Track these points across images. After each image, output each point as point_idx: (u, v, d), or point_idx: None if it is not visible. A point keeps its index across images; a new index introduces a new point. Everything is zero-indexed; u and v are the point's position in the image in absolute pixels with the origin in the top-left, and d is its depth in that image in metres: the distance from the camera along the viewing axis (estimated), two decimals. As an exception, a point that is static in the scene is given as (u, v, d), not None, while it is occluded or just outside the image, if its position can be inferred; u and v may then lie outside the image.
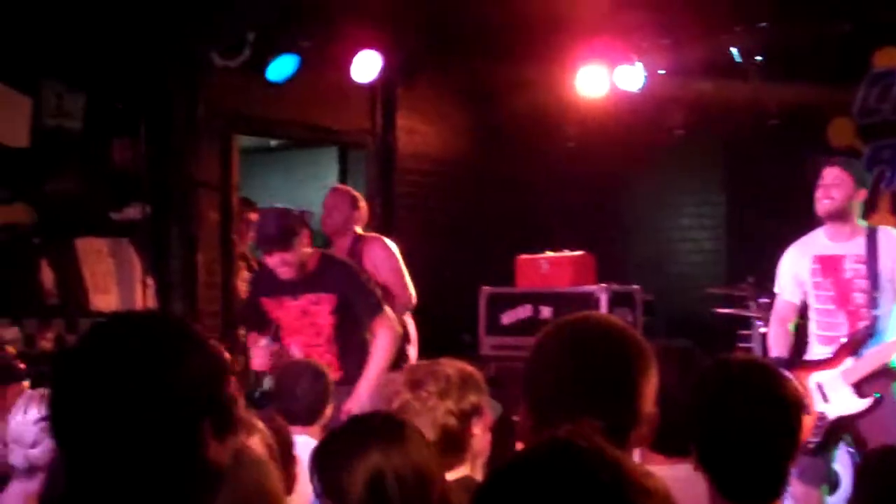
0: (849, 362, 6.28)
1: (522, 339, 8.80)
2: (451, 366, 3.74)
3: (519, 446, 2.91)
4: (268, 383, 5.96)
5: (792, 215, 7.23)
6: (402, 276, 7.45)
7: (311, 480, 3.04)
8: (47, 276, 8.15)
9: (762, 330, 7.74)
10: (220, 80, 8.77)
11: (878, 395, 6.22)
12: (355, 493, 2.91)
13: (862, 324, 6.33)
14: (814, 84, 8.75)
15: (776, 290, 6.86)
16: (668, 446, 3.04)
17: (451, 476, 3.59)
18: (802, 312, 6.74)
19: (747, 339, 8.40)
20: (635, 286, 9.44)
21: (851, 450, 6.67)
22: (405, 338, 7.08)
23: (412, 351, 7.39)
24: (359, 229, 7.64)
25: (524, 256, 9.81)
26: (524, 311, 9.45)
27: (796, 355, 6.61)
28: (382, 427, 3.06)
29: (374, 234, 7.96)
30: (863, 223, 6.56)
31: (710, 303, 8.96)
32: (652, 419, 2.59)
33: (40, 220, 8.14)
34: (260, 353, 6.45)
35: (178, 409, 1.87)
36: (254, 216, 9.28)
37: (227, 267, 9.07)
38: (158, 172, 8.62)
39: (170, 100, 8.77)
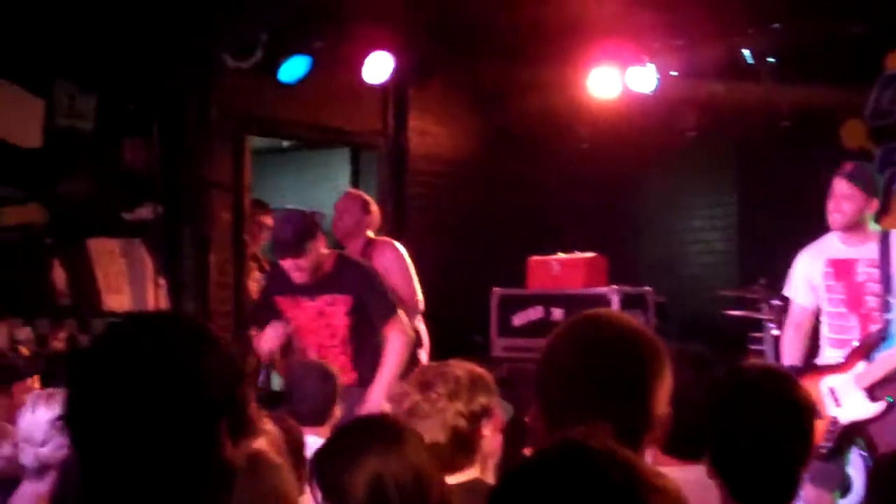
0: (861, 366, 6.27)
1: (534, 340, 8.79)
2: (461, 367, 3.74)
3: (529, 448, 2.91)
4: (277, 383, 5.97)
5: (804, 217, 7.22)
6: (411, 281, 7.46)
7: (310, 485, 3.03)
8: (60, 276, 8.17)
9: (774, 332, 7.72)
10: (233, 81, 8.78)
11: (891, 399, 6.21)
12: (356, 498, 2.91)
13: (874, 327, 6.33)
14: (826, 86, 8.73)
15: (788, 293, 6.85)
16: (680, 449, 3.03)
17: (460, 478, 3.60)
18: (814, 316, 6.74)
19: (759, 341, 8.39)
20: (647, 288, 9.43)
21: (864, 454, 6.65)
22: (417, 342, 7.08)
23: (423, 356, 7.39)
24: (370, 233, 7.65)
25: (535, 258, 9.80)
26: (535, 313, 9.45)
27: (808, 359, 6.61)
28: (380, 431, 3.06)
29: (384, 238, 7.96)
30: (875, 227, 6.55)
31: (722, 305, 8.95)
32: (665, 421, 2.58)
33: (53, 220, 8.16)
34: (271, 334, 6.46)
35: (194, 409, 1.87)
36: (266, 219, 9.31)
37: (239, 267, 9.08)
38: (170, 173, 8.63)
39: (182, 101, 8.78)
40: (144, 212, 8.54)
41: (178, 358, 1.89)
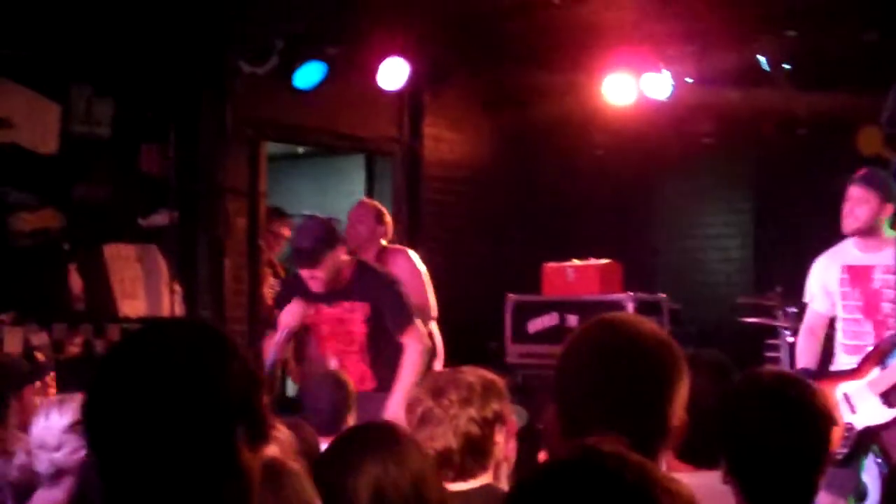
0: (875, 372, 6.25)
1: (548, 347, 8.78)
2: (474, 373, 3.74)
3: (543, 453, 2.92)
4: (291, 389, 5.98)
5: (820, 224, 7.21)
6: (425, 289, 7.47)
7: None
8: (76, 281, 8.19)
9: (790, 340, 7.71)
10: (249, 88, 8.80)
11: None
12: None
13: (889, 333, 6.31)
14: (842, 92, 8.72)
15: (805, 299, 6.85)
16: (694, 456, 3.03)
17: (473, 484, 3.60)
18: (829, 323, 6.73)
19: (775, 348, 8.37)
20: (662, 295, 9.42)
21: (879, 460, 6.64)
22: (432, 352, 7.08)
23: (438, 365, 7.39)
24: (384, 242, 7.66)
25: (551, 264, 9.79)
26: (550, 320, 9.44)
27: (823, 366, 6.60)
28: (379, 438, 3.06)
29: (398, 247, 7.98)
30: (892, 233, 6.54)
31: (738, 312, 8.93)
32: (680, 430, 2.57)
33: (69, 226, 8.18)
34: (293, 308, 6.45)
35: (212, 415, 1.87)
36: (283, 229, 9.35)
37: (254, 273, 9.09)
38: (186, 179, 8.65)
39: (198, 107, 8.80)
40: (160, 218, 8.55)
41: (196, 364, 1.90)
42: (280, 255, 9.57)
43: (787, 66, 8.65)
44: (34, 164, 8.01)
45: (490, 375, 3.76)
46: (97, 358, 7.65)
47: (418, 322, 6.53)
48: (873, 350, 6.31)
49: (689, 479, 2.79)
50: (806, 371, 6.36)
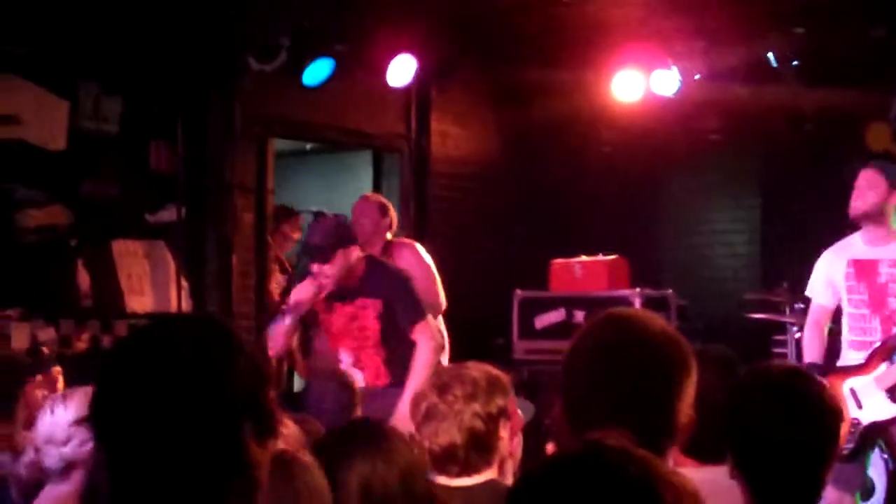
0: (882, 368, 6.24)
1: (555, 343, 8.78)
2: (478, 369, 3.75)
3: (550, 446, 2.92)
4: (298, 384, 5.97)
5: (827, 220, 7.20)
6: (433, 281, 7.47)
7: None
8: (83, 277, 8.20)
9: (797, 335, 7.71)
10: (256, 84, 8.80)
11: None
12: (346, 502, 2.92)
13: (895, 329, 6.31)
14: (850, 88, 8.71)
15: (808, 293, 6.84)
16: (701, 451, 3.03)
17: (477, 479, 3.61)
18: (836, 318, 6.72)
19: (782, 344, 8.37)
20: (669, 290, 9.41)
21: (886, 456, 6.63)
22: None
23: (444, 360, 7.39)
24: (389, 236, 7.66)
25: (558, 260, 9.80)
26: (557, 316, 9.44)
27: (829, 361, 6.59)
28: (367, 435, 3.07)
29: (404, 240, 7.98)
30: (900, 227, 6.53)
31: (745, 307, 8.93)
32: (687, 428, 2.57)
33: (77, 222, 8.19)
34: (306, 286, 6.43)
35: (222, 411, 1.88)
36: (292, 230, 9.37)
37: (262, 269, 9.10)
38: (194, 175, 8.65)
39: (206, 103, 8.81)
40: (168, 214, 8.56)
41: (203, 360, 1.90)
42: (288, 252, 9.58)
43: (795, 63, 8.64)
44: (42, 161, 8.02)
45: (495, 371, 3.77)
46: (104, 354, 7.69)
47: (430, 318, 6.54)
48: (880, 345, 6.30)
49: (696, 474, 2.79)
50: (813, 366, 6.35)
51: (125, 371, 1.91)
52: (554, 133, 10.56)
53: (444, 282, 7.61)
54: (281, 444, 3.22)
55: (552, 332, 9.34)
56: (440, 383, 3.70)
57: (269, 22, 8.62)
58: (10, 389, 5.10)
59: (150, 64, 8.40)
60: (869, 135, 9.18)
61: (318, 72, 8.66)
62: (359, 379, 6.37)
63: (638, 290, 9.21)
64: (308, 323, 6.99)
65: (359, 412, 5.46)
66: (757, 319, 8.62)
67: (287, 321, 6.44)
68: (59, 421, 3.95)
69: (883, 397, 6.22)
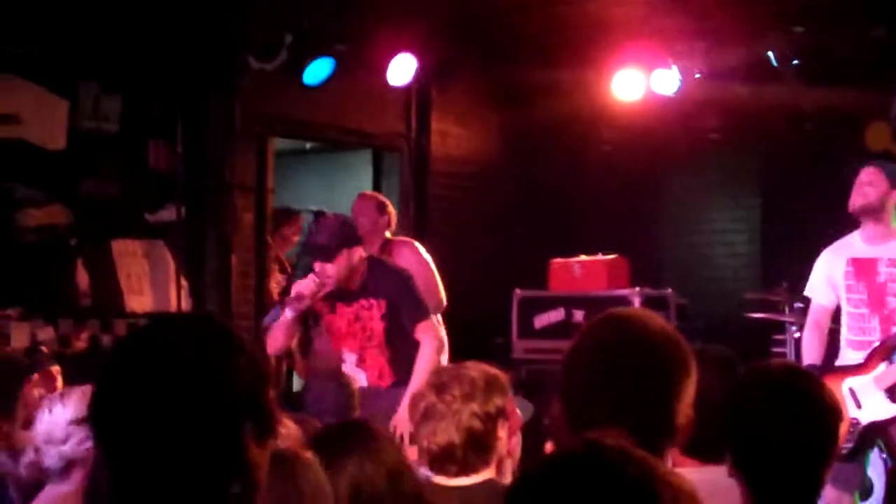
0: (881, 367, 6.23)
1: (555, 342, 8.78)
2: (476, 369, 3.76)
3: (549, 446, 2.92)
4: (297, 384, 5.96)
5: (827, 219, 7.20)
6: (434, 280, 7.47)
7: None
8: (83, 277, 8.20)
9: (796, 335, 7.70)
10: (256, 83, 8.81)
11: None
12: None
13: (895, 328, 6.30)
14: (850, 88, 8.71)
15: (807, 292, 6.83)
16: (700, 451, 3.03)
17: (475, 479, 3.61)
18: (835, 317, 6.71)
19: (781, 343, 8.37)
20: (669, 290, 9.41)
21: (885, 455, 6.63)
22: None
23: (444, 359, 7.39)
24: (388, 234, 7.65)
25: (557, 260, 9.79)
26: (557, 315, 9.44)
27: (828, 360, 6.58)
28: (355, 437, 3.07)
29: (403, 238, 7.98)
30: (898, 226, 6.52)
31: (744, 307, 8.93)
32: (686, 428, 2.57)
33: (76, 221, 8.19)
34: (309, 281, 6.42)
35: (222, 412, 1.88)
36: (293, 235, 9.37)
37: (261, 269, 9.11)
38: (194, 174, 8.65)
39: (206, 102, 8.81)
40: (167, 213, 8.56)
41: (202, 359, 1.90)
42: (288, 252, 9.58)
43: (795, 62, 8.64)
44: (42, 160, 8.02)
45: (493, 371, 3.78)
46: (104, 353, 7.71)
47: (434, 318, 6.52)
48: (880, 345, 6.29)
49: (695, 473, 2.79)
50: (812, 366, 6.34)
51: (125, 371, 1.91)
52: (554, 132, 10.56)
53: (443, 281, 7.61)
54: (280, 445, 3.23)
55: (551, 331, 9.34)
56: (438, 383, 3.70)
57: (270, 21, 8.63)
58: (9, 389, 5.10)
59: (149, 63, 8.40)
60: (869, 134, 9.18)
61: (318, 71, 8.66)
62: (362, 379, 6.37)
63: (637, 289, 9.20)
64: (309, 323, 6.98)
65: (358, 412, 5.46)
66: (756, 319, 8.62)
67: (288, 314, 6.41)
68: (58, 420, 3.95)
69: (882, 397, 6.22)
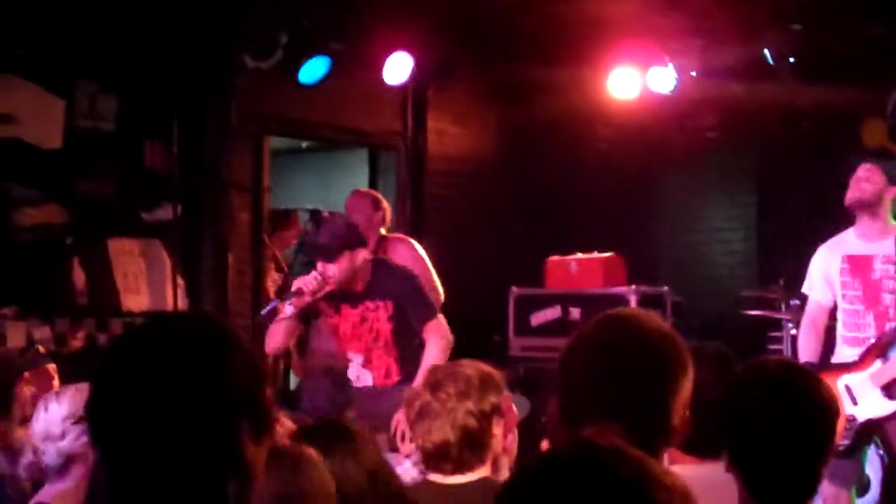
0: (877, 365, 6.23)
1: (551, 340, 8.80)
2: (471, 367, 3.76)
3: (545, 444, 2.92)
4: (294, 382, 5.95)
5: (823, 217, 7.21)
6: (431, 277, 7.46)
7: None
8: (79, 276, 8.20)
9: (793, 332, 7.71)
10: (252, 82, 8.81)
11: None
12: None
13: (890, 325, 6.30)
14: (846, 86, 8.71)
15: (805, 290, 6.83)
16: (697, 447, 3.03)
17: (470, 477, 3.61)
18: (831, 313, 6.71)
19: (778, 341, 8.38)
20: (665, 288, 9.41)
21: (881, 452, 6.64)
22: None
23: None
24: (383, 231, 7.63)
25: (554, 258, 9.80)
26: (553, 313, 9.45)
27: (825, 357, 6.58)
28: (335, 436, 3.07)
29: (398, 235, 7.96)
30: (894, 222, 6.52)
31: (741, 305, 8.94)
32: (681, 427, 2.57)
33: (73, 220, 8.19)
34: (311, 277, 6.40)
35: (219, 410, 1.88)
36: (291, 238, 9.38)
37: (258, 268, 9.10)
38: (190, 173, 8.65)
39: (202, 101, 8.81)
40: (163, 212, 8.56)
41: (199, 358, 1.90)
42: (286, 252, 9.58)
43: (791, 60, 8.64)
44: (38, 160, 8.02)
45: (488, 368, 3.78)
46: (100, 352, 7.69)
47: (441, 317, 6.49)
48: (875, 342, 6.29)
49: (692, 470, 2.80)
50: (808, 363, 6.34)
51: (121, 370, 1.91)
52: (550, 130, 10.56)
53: (440, 279, 7.61)
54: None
55: (548, 329, 9.35)
56: (433, 381, 3.70)
57: (266, 20, 8.62)
58: (4, 388, 5.11)
59: (146, 62, 8.40)
60: (865, 132, 9.18)
61: (314, 70, 8.66)
62: (368, 379, 6.36)
63: (634, 287, 9.20)
64: (309, 321, 6.97)
65: (353, 410, 5.45)
66: (753, 316, 8.63)
67: (288, 310, 6.39)
68: (54, 417, 3.97)
69: (878, 394, 6.22)
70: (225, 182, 8.92)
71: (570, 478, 1.56)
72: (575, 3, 8.52)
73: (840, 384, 6.24)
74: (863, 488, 6.78)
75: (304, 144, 11.70)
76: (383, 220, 7.65)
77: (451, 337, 6.46)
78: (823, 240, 6.80)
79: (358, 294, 6.40)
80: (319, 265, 6.30)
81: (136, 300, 8.38)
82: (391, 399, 5.90)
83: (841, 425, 6.14)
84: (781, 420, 2.77)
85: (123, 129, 8.44)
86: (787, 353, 7.87)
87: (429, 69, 9.29)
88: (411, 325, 6.38)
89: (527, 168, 10.72)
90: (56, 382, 5.52)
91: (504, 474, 3.72)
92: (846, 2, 8.35)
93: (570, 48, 9.08)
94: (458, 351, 6.29)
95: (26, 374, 5.36)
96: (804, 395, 2.81)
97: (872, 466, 6.79)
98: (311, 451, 2.76)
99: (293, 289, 6.36)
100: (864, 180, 6.43)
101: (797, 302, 7.57)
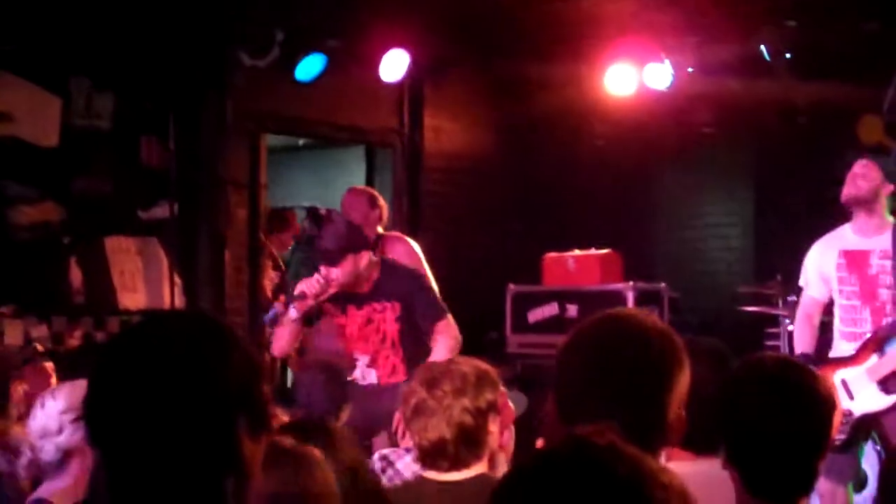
0: (874, 359, 6.23)
1: (549, 336, 8.81)
2: (467, 364, 3.76)
3: (540, 442, 2.92)
4: (291, 380, 5.93)
5: (820, 213, 7.20)
6: (426, 276, 7.45)
7: None
8: (76, 274, 8.20)
9: (790, 328, 7.72)
10: (249, 80, 8.80)
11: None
12: None
13: (886, 320, 6.30)
14: (843, 81, 8.71)
15: (801, 283, 6.83)
16: (693, 443, 3.03)
17: (467, 474, 3.62)
18: (827, 309, 6.72)
19: (775, 336, 8.38)
20: (662, 284, 9.41)
21: (878, 447, 6.64)
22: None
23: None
24: (379, 229, 7.61)
25: (551, 254, 9.80)
26: (550, 310, 9.45)
27: (821, 352, 6.58)
28: (312, 433, 3.07)
29: (395, 234, 7.95)
30: (890, 218, 6.52)
31: (738, 300, 8.94)
32: (679, 425, 2.57)
33: (69, 218, 8.19)
34: (314, 280, 6.37)
35: (216, 407, 1.88)
36: (288, 239, 9.38)
37: (255, 265, 9.10)
38: (186, 171, 8.65)
39: (198, 99, 8.81)
40: (160, 210, 8.56)
41: (196, 355, 1.90)
42: (284, 253, 9.58)
43: (787, 56, 8.64)
44: (35, 158, 8.02)
45: (484, 366, 3.78)
46: (97, 350, 7.70)
47: (450, 316, 6.45)
48: (871, 337, 6.29)
49: (689, 466, 2.80)
50: (804, 357, 6.34)
51: (118, 368, 1.91)
52: (547, 127, 10.56)
53: (437, 277, 7.59)
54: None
55: (545, 325, 9.35)
56: (429, 378, 3.70)
57: (262, 18, 8.62)
58: (1, 385, 5.11)
59: (142, 60, 8.40)
60: (861, 127, 9.18)
61: (310, 67, 8.66)
62: (373, 377, 6.35)
63: (631, 283, 9.20)
64: (311, 324, 6.95)
65: (349, 405, 5.45)
66: (750, 312, 8.63)
67: (292, 314, 6.37)
68: (51, 413, 3.97)
69: (875, 389, 6.22)
70: (222, 179, 8.92)
71: (565, 475, 1.55)
72: (572, 0, 8.52)
73: (836, 379, 6.24)
74: (860, 484, 6.78)
75: (301, 142, 11.71)
76: (380, 218, 7.61)
77: (460, 337, 6.41)
78: (820, 235, 6.80)
79: (363, 295, 6.38)
80: (322, 268, 6.28)
81: (132, 298, 8.38)
82: (394, 396, 5.89)
83: (837, 420, 6.18)
84: (779, 417, 2.76)
85: (120, 126, 8.45)
86: (784, 348, 7.87)
87: (425, 66, 9.30)
88: (419, 325, 6.35)
89: (523, 164, 10.72)
90: (53, 380, 5.52)
91: (501, 471, 3.72)
92: (842, -2, 8.36)
93: (566, 45, 9.08)
94: (456, 348, 6.29)
95: (19, 370, 5.36)
96: (801, 392, 2.81)
97: (869, 461, 6.79)
98: (315, 451, 2.76)
99: (296, 292, 6.34)
100: (861, 177, 6.42)
101: (794, 298, 7.57)
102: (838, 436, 6.15)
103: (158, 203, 8.57)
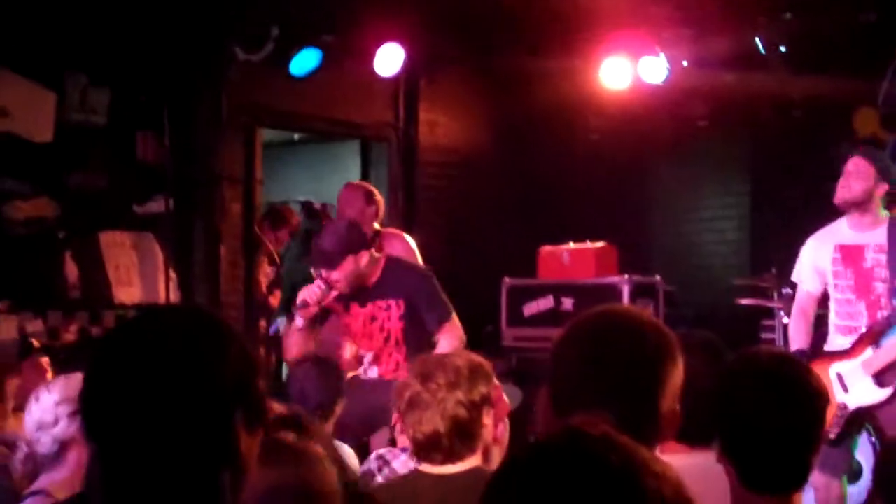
0: (869, 352, 6.24)
1: (544, 330, 8.81)
2: (461, 357, 3.77)
3: (535, 435, 2.93)
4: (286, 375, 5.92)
5: (816, 206, 7.21)
6: None
7: None
8: (71, 269, 8.19)
9: (785, 321, 7.73)
10: (244, 74, 8.80)
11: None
12: None
13: (882, 314, 6.31)
14: (838, 74, 8.71)
15: (794, 278, 6.83)
16: (688, 436, 3.04)
17: (461, 467, 3.62)
18: (822, 303, 6.72)
19: (770, 329, 8.39)
20: (657, 277, 9.42)
21: (873, 440, 6.65)
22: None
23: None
24: (376, 225, 7.59)
25: (546, 248, 9.80)
26: (546, 303, 9.45)
27: (816, 346, 6.59)
28: (283, 428, 3.07)
29: (392, 230, 7.94)
30: (885, 213, 6.53)
31: (733, 294, 8.95)
32: (672, 418, 2.58)
33: (64, 213, 8.18)
34: (315, 287, 6.34)
35: (213, 401, 1.88)
36: (285, 236, 9.37)
37: (250, 260, 9.10)
38: (182, 166, 8.64)
39: (193, 94, 8.80)
40: (155, 205, 8.56)
41: (192, 349, 1.90)
42: (281, 250, 9.58)
43: (783, 49, 8.64)
44: (30, 153, 8.01)
45: (477, 359, 3.78)
46: (93, 345, 7.70)
47: (455, 317, 6.43)
48: (867, 330, 6.30)
49: (684, 459, 2.80)
50: (800, 352, 6.35)
51: (115, 363, 1.91)
52: (542, 121, 10.56)
53: (432, 270, 7.60)
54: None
55: (540, 319, 9.35)
56: (423, 372, 3.71)
57: (257, 12, 8.61)
58: None
59: (137, 54, 8.39)
60: (857, 120, 9.20)
61: (305, 62, 8.66)
62: (374, 373, 6.35)
63: (626, 277, 9.21)
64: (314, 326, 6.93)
65: (344, 397, 5.44)
66: (746, 305, 8.64)
67: (298, 323, 6.36)
68: (46, 405, 3.98)
69: (870, 382, 6.23)
70: (217, 174, 8.92)
71: (559, 466, 1.55)
72: (566, -6, 8.52)
73: (832, 372, 6.26)
74: (854, 475, 6.79)
75: (296, 136, 11.70)
76: (376, 214, 7.58)
77: (464, 338, 6.39)
78: (816, 228, 6.81)
79: (368, 292, 6.36)
80: (323, 272, 6.26)
81: (128, 293, 8.38)
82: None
83: (831, 414, 6.19)
84: (774, 411, 2.77)
85: (115, 122, 8.43)
86: (780, 341, 7.89)
87: (420, 60, 9.29)
88: (423, 323, 6.33)
89: (518, 158, 10.72)
90: (49, 375, 5.53)
91: (495, 464, 3.72)
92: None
93: (561, 38, 9.08)
94: (451, 341, 6.29)
95: (21, 364, 5.37)
96: (796, 387, 2.82)
97: (864, 454, 6.81)
98: (319, 448, 2.77)
99: (298, 301, 6.33)
100: (854, 177, 6.42)
101: (789, 291, 7.58)
102: (833, 429, 6.18)
103: (154, 198, 8.57)
